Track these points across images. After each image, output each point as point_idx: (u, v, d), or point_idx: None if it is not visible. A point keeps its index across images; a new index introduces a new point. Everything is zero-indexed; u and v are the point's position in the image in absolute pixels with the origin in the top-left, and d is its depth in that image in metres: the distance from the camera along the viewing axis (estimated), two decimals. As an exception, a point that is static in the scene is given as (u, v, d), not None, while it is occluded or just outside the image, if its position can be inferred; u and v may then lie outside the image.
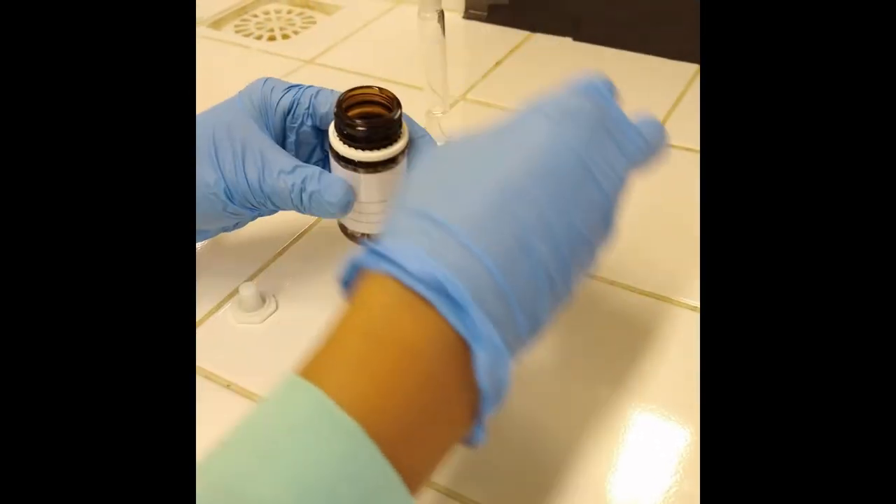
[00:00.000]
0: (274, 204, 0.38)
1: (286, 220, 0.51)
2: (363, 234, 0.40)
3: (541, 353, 0.41)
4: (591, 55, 0.70)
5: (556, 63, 0.69)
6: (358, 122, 0.36)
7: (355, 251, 0.25)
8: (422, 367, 0.22)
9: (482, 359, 0.22)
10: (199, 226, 0.40)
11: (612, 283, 0.45)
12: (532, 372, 0.40)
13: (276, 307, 0.44)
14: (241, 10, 0.82)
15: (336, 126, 0.37)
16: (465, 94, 0.65)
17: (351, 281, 0.25)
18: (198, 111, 0.40)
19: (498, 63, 0.69)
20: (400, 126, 0.37)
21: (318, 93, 0.39)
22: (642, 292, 0.45)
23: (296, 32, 0.78)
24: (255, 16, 0.82)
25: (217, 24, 0.79)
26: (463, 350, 0.23)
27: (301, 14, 0.82)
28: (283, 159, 0.37)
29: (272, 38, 0.77)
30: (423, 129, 0.39)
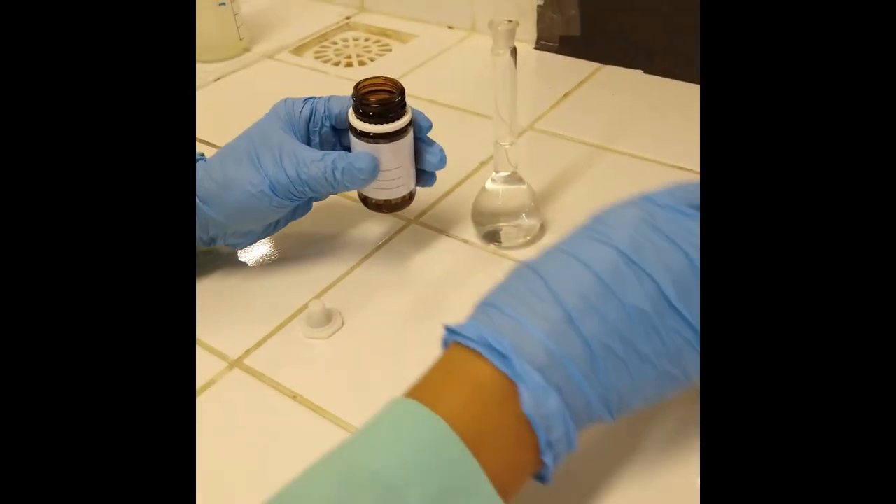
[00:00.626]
0: (312, 189, 0.45)
1: (353, 242, 0.53)
2: (386, 201, 0.48)
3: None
4: (660, 88, 0.70)
5: (624, 95, 0.69)
6: (372, 100, 0.45)
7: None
8: (487, 394, 0.29)
9: (524, 392, 0.28)
10: (246, 226, 0.47)
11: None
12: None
13: (342, 324, 0.46)
14: (322, 38, 0.86)
15: (354, 108, 0.46)
16: (533, 124, 0.66)
17: (447, 346, 0.33)
18: None
19: (566, 94, 0.70)
20: (404, 104, 0.46)
21: (329, 99, 0.48)
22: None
23: (372, 59, 0.81)
24: (335, 43, 0.85)
25: (298, 50, 0.83)
26: (514, 392, 0.29)
27: (378, 42, 0.85)
28: (313, 152, 0.44)
29: (349, 65, 0.80)
30: (418, 111, 0.47)
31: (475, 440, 0.27)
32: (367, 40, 0.85)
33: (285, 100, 0.48)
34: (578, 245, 0.32)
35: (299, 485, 0.27)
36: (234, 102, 0.73)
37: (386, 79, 0.47)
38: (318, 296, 0.49)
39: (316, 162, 0.44)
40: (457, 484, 0.26)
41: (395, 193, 0.48)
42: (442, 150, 0.48)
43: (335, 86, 0.75)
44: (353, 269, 0.51)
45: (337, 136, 0.49)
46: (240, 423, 0.41)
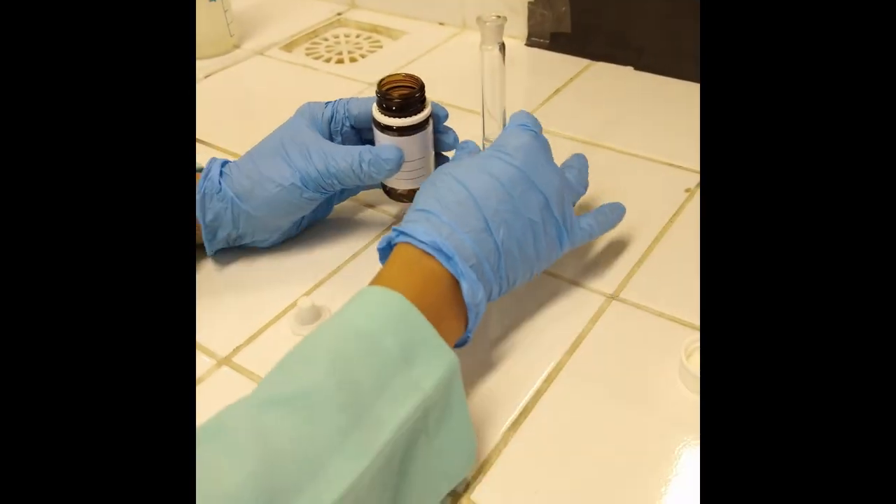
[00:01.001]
0: (340, 182, 0.48)
1: (342, 239, 0.53)
2: (409, 191, 0.51)
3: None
4: (650, 84, 0.70)
5: (615, 91, 0.69)
6: (394, 95, 0.48)
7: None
8: (439, 282, 0.38)
9: (464, 286, 0.38)
10: (275, 222, 0.50)
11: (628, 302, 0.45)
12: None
13: (331, 321, 0.46)
14: (313, 34, 0.85)
15: (378, 103, 0.48)
16: (524, 121, 0.66)
17: (385, 251, 0.41)
18: (268, 126, 0.51)
19: (557, 91, 0.70)
20: (424, 98, 0.49)
21: (349, 101, 0.51)
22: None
23: (363, 56, 0.80)
24: (326, 39, 0.85)
25: (289, 46, 0.83)
26: (455, 283, 0.39)
27: (369, 38, 0.85)
28: (339, 148, 0.48)
29: (340, 61, 0.80)
30: (435, 103, 0.51)
31: (430, 315, 0.35)
32: (357, 37, 0.85)
33: (308, 103, 0.51)
34: (489, 163, 0.42)
35: (305, 343, 0.34)
36: (224, 99, 0.73)
37: (407, 75, 0.49)
38: (308, 293, 0.49)
39: (344, 156, 0.47)
40: (419, 335, 0.34)
41: (418, 183, 0.50)
42: (455, 133, 0.52)
43: (326, 82, 0.75)
44: (342, 266, 0.51)
45: (357, 135, 0.52)
46: (228, 420, 0.41)
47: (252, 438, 0.30)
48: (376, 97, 0.48)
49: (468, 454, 0.36)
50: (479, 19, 0.48)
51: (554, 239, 0.43)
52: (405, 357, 0.34)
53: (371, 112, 0.49)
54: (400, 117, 0.47)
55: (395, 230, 0.40)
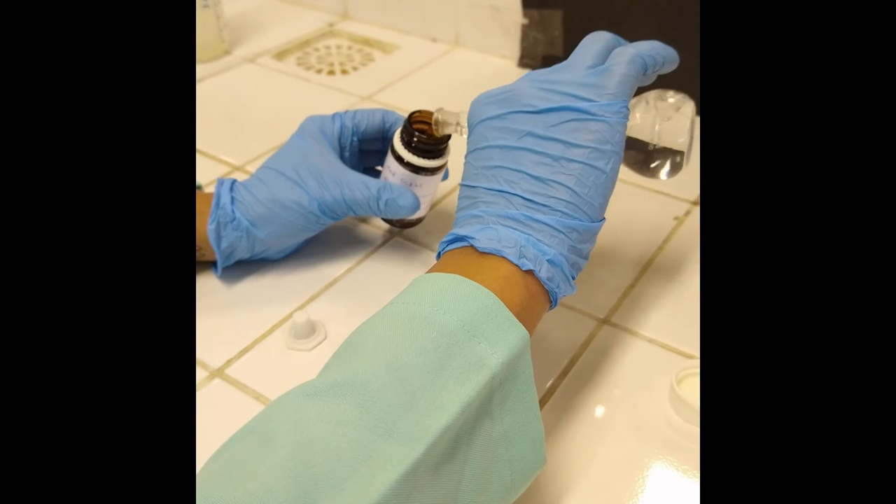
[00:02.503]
0: (354, 211, 0.48)
1: (337, 254, 0.53)
2: (404, 220, 0.51)
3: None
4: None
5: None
6: (423, 136, 0.47)
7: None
8: (491, 266, 0.34)
9: (542, 272, 0.35)
10: (288, 242, 0.50)
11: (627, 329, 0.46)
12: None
13: (325, 336, 0.46)
14: (305, 44, 0.85)
15: (402, 135, 0.48)
16: (516, 141, 0.67)
17: (442, 252, 0.38)
18: (258, 135, 0.52)
19: (549, 113, 0.71)
20: (447, 145, 0.49)
21: (355, 114, 0.51)
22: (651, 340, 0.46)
23: (355, 68, 0.81)
24: (317, 49, 0.85)
25: (280, 55, 0.83)
26: (525, 276, 0.35)
27: (361, 51, 0.85)
28: (354, 178, 0.47)
29: (331, 73, 0.80)
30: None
31: (518, 313, 0.33)
32: (349, 48, 0.85)
33: (313, 118, 0.51)
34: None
35: (351, 335, 0.32)
36: (214, 105, 0.73)
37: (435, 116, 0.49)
38: (302, 307, 0.49)
39: (360, 187, 0.47)
40: (482, 308, 0.32)
41: (416, 215, 0.51)
42: (447, 168, 0.51)
43: (317, 93, 0.75)
44: (336, 280, 0.51)
45: (361, 143, 0.52)
46: (220, 433, 0.40)
47: (291, 429, 0.27)
48: (402, 127, 0.48)
49: (535, 441, 0.32)
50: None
51: (574, 123, 0.36)
52: (467, 331, 0.31)
53: (385, 132, 0.50)
54: (421, 157, 0.48)
55: (458, 236, 0.37)
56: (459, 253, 0.36)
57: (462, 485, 0.29)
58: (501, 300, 0.32)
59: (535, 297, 0.35)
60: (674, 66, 0.41)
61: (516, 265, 0.34)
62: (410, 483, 0.27)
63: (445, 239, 0.37)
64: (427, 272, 0.36)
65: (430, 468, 0.28)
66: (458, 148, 0.53)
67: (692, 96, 0.44)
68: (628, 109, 0.37)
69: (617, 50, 0.39)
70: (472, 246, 0.35)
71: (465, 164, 0.39)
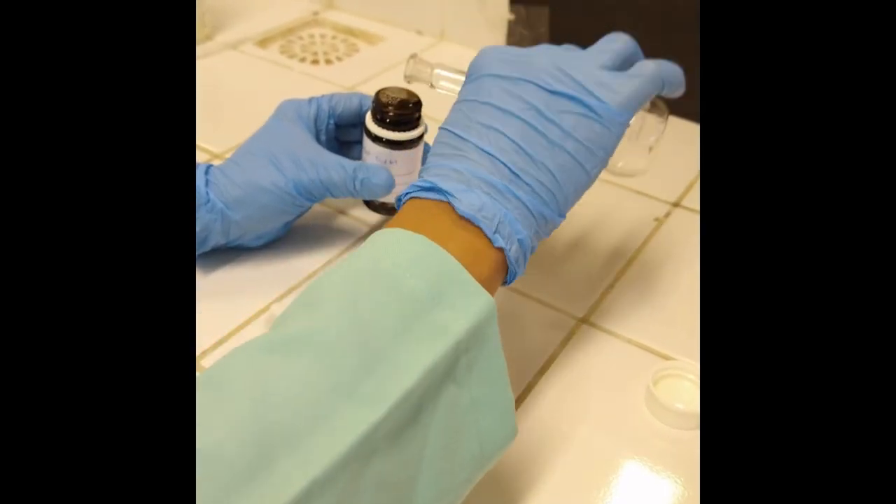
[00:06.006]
0: (331, 193, 0.48)
1: (317, 244, 0.53)
2: (387, 204, 0.52)
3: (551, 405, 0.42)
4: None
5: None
6: (391, 108, 0.47)
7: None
8: (465, 234, 0.33)
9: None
10: (265, 226, 0.49)
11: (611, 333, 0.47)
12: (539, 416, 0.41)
13: (303, 329, 0.46)
14: (288, 31, 0.84)
15: (373, 113, 0.48)
16: (499, 138, 0.66)
17: (401, 202, 0.36)
18: (239, 123, 0.51)
19: (533, 110, 0.71)
20: (420, 116, 0.49)
21: (332, 97, 0.51)
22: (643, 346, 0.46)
23: (339, 59, 0.80)
24: (301, 38, 0.84)
25: (263, 42, 0.82)
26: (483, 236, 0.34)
27: (345, 41, 0.84)
28: (331, 158, 0.47)
29: (315, 62, 0.79)
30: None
31: (456, 256, 0.32)
32: (334, 38, 0.85)
33: (289, 101, 0.51)
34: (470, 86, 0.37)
35: (310, 288, 0.31)
36: (196, 92, 0.71)
37: (405, 89, 0.49)
38: (280, 298, 0.48)
39: (336, 167, 0.47)
40: (447, 274, 0.31)
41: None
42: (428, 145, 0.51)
43: (300, 82, 0.74)
44: (316, 272, 0.51)
45: (338, 131, 0.52)
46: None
47: (247, 382, 0.26)
48: (372, 107, 0.48)
49: (504, 411, 0.32)
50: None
51: (579, 116, 0.35)
52: (432, 296, 0.30)
53: (363, 118, 0.49)
54: (394, 131, 0.47)
55: (431, 187, 0.35)
56: (435, 208, 0.34)
57: (426, 451, 0.29)
58: (469, 272, 0.32)
59: (497, 273, 0.34)
60: (678, 94, 0.41)
61: (489, 239, 0.33)
62: (370, 446, 0.27)
63: (419, 184, 0.35)
64: (394, 219, 0.34)
65: (391, 432, 0.27)
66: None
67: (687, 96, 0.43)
68: (629, 124, 0.37)
69: (642, 62, 0.39)
70: (449, 204, 0.34)
71: (454, 109, 0.37)
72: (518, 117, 0.35)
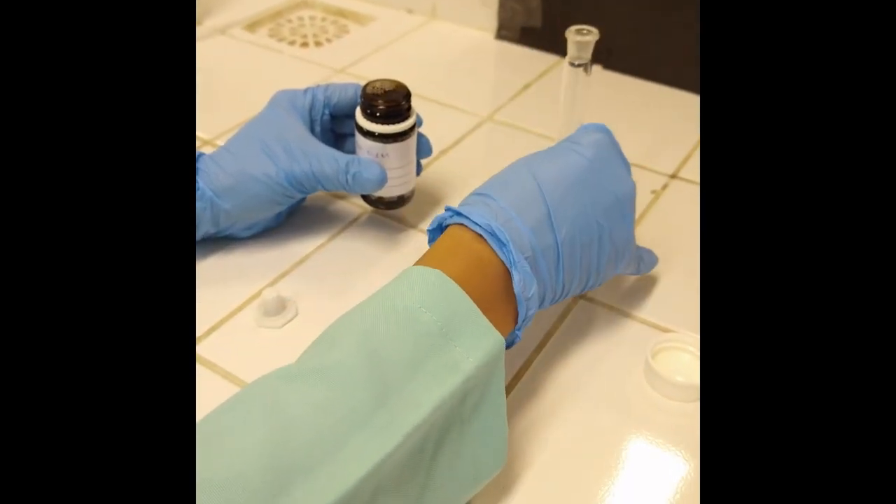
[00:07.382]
0: (323, 185, 0.47)
1: (308, 230, 0.52)
2: (384, 198, 0.50)
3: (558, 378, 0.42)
4: (618, 84, 0.70)
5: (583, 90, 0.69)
6: (380, 101, 0.46)
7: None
8: (487, 269, 0.35)
9: (515, 276, 0.35)
10: (256, 216, 0.48)
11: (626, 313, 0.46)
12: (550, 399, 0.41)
13: (297, 313, 0.45)
14: (277, 15, 0.83)
15: (362, 108, 0.47)
16: (493, 115, 0.66)
17: (434, 233, 0.38)
18: (229, 109, 0.50)
19: (527, 86, 0.70)
20: (410, 106, 0.47)
21: (327, 88, 0.50)
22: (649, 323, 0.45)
23: (328, 40, 0.79)
24: (290, 21, 0.83)
25: (252, 26, 0.81)
26: (506, 273, 0.35)
27: (335, 22, 0.83)
28: (324, 150, 0.46)
29: (305, 45, 0.78)
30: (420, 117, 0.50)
31: (476, 302, 0.33)
32: (323, 20, 0.83)
33: (284, 91, 0.50)
34: (560, 153, 0.39)
35: (336, 322, 0.33)
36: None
37: (393, 81, 0.48)
38: (272, 283, 0.48)
39: (330, 162, 0.46)
40: (462, 313, 0.32)
41: (395, 192, 0.49)
42: (429, 141, 0.51)
43: (290, 66, 0.73)
44: (308, 256, 0.50)
45: (333, 122, 0.51)
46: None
47: (267, 409, 0.28)
48: (360, 101, 0.47)
49: (500, 444, 0.33)
50: (569, 32, 0.48)
51: (620, 248, 0.39)
52: (445, 334, 0.31)
53: (354, 112, 0.48)
54: (384, 124, 0.46)
55: (448, 209, 0.37)
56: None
57: (430, 481, 0.31)
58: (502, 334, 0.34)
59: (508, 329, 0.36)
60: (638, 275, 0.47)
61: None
62: (378, 476, 0.28)
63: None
64: (423, 254, 0.36)
65: (398, 463, 0.29)
66: (429, 123, 0.52)
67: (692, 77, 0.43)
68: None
69: (646, 252, 0.45)
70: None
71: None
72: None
